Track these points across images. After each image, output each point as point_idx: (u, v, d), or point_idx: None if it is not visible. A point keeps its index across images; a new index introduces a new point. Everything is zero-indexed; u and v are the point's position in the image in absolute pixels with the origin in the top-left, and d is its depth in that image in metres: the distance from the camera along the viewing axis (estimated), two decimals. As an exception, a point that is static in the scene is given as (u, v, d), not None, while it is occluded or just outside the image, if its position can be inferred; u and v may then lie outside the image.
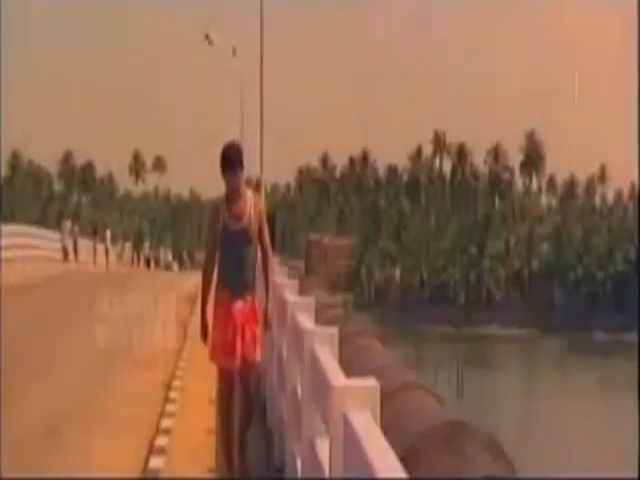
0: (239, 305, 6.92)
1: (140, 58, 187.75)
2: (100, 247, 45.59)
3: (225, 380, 7.03)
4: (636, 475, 22.51)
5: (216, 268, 7.00)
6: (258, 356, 7.03)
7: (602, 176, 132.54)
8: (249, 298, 6.98)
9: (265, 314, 7.18)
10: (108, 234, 46.57)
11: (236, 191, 6.90)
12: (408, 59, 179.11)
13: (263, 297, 7.22)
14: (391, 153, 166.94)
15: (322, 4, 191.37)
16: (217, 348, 6.94)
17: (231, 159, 6.87)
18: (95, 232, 46.43)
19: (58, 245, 39.76)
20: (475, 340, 78.67)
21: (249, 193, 7.01)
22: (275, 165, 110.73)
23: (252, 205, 6.96)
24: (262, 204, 7.05)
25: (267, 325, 7.20)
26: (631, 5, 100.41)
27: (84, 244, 44.14)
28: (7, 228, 32.77)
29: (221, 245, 6.94)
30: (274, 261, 7.76)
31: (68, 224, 41.54)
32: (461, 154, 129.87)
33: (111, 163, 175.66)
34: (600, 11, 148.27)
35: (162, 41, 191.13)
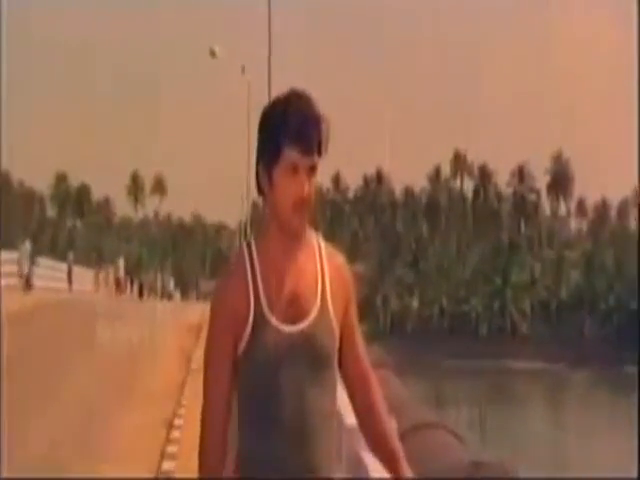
0: None
1: (144, 72, 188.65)
2: (95, 274, 45.59)
3: None
4: (636, 475, 22.72)
5: (236, 438, 3.08)
6: None
7: (636, 198, 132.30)
8: None
9: None
10: (121, 263, 45.18)
11: (300, 218, 3.03)
12: (426, 73, 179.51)
13: None
14: (408, 173, 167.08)
15: (339, 15, 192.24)
16: None
17: (307, 127, 3.01)
18: (100, 261, 45.88)
19: (51, 272, 39.48)
20: (499, 375, 78.31)
21: (317, 238, 3.13)
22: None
23: (325, 270, 3.10)
24: (347, 269, 3.14)
25: None
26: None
27: (80, 273, 44.19)
28: None
29: (249, 378, 3.03)
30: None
31: (27, 245, 36.11)
32: (483, 175, 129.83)
33: (109, 186, 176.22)
34: (622, 23, 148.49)
35: (168, 55, 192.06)
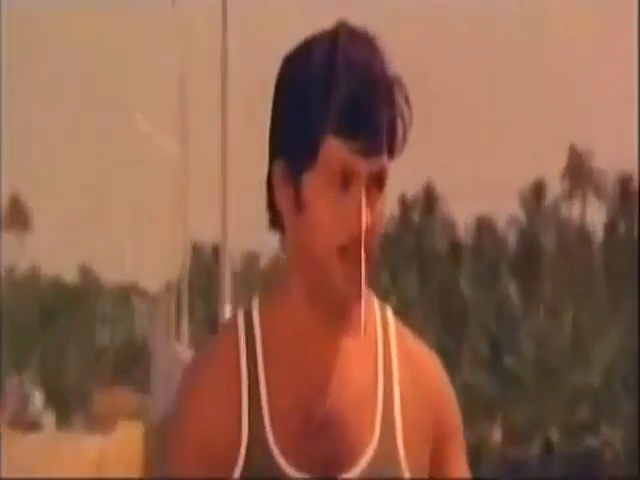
0: None
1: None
2: None
3: None
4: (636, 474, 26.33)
5: None
6: None
7: None
8: None
9: None
10: None
11: (351, 271, 2.84)
12: (501, 20, 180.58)
13: None
14: (480, 193, 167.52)
15: None
16: None
17: (371, 100, 2.84)
18: None
19: None
20: None
21: (382, 310, 3.02)
22: (259, 215, 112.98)
23: (394, 372, 2.97)
24: (441, 373, 3.04)
25: None
26: None
27: None
28: None
29: None
30: None
31: None
32: (625, 193, 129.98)
33: None
34: None
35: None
